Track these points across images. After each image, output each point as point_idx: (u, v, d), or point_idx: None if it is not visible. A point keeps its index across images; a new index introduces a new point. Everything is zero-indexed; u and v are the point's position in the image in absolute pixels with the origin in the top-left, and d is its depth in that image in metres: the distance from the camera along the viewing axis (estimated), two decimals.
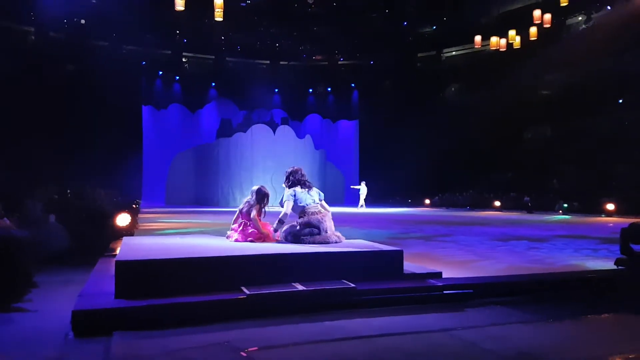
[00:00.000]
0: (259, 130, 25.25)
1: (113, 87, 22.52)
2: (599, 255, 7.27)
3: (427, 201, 25.13)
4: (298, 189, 5.56)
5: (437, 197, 25.10)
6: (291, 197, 5.50)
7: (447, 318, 4.16)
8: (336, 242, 5.28)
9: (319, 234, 5.25)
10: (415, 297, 4.55)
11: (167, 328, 3.70)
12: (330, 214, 5.53)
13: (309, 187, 5.61)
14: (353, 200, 28.16)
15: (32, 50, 23.70)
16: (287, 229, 5.43)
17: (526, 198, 20.73)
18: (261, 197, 5.67)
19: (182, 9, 15.36)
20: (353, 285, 4.42)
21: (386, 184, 26.82)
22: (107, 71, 22.27)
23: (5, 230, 4.61)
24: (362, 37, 28.52)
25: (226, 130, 26.33)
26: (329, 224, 5.39)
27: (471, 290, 4.74)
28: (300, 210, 5.46)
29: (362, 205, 22.44)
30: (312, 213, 5.38)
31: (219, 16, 15.83)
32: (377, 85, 30.53)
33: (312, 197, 5.53)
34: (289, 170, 5.74)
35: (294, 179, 5.63)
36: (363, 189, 22.52)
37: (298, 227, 5.35)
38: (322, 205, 5.60)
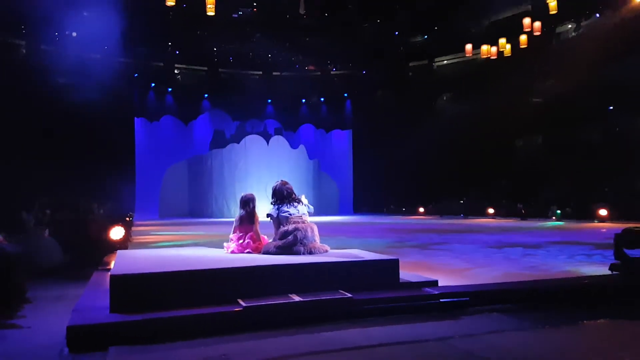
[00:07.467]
0: (253, 141, 25.26)
1: (105, 99, 22.41)
2: (594, 260, 7.30)
3: (422, 209, 25.20)
4: (283, 206, 5.58)
5: (430, 205, 25.17)
6: (274, 215, 5.56)
7: (444, 327, 4.16)
8: (310, 254, 5.22)
9: (295, 243, 5.25)
10: (412, 306, 4.55)
11: (163, 342, 3.67)
12: (314, 226, 5.52)
13: (297, 201, 5.65)
14: (347, 210, 28.19)
15: (23, 64, 23.61)
16: (270, 242, 5.51)
17: (519, 205, 20.84)
18: (254, 203, 5.80)
19: (173, 4, 15.41)
20: (350, 295, 4.42)
21: (380, 192, 26.87)
22: (99, 84, 22.19)
23: None
24: (354, 47, 28.68)
25: (219, 141, 26.30)
26: (310, 235, 5.37)
27: (467, 298, 4.75)
28: (284, 220, 5.51)
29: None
30: (293, 222, 5.43)
31: (210, 11, 15.90)
32: (370, 94, 30.66)
33: (297, 209, 5.57)
34: (273, 186, 5.75)
35: (278, 198, 5.64)
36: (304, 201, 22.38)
37: (277, 237, 5.43)
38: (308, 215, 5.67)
